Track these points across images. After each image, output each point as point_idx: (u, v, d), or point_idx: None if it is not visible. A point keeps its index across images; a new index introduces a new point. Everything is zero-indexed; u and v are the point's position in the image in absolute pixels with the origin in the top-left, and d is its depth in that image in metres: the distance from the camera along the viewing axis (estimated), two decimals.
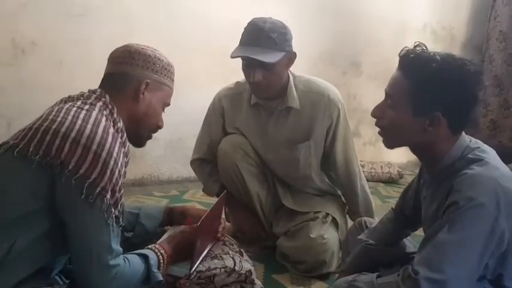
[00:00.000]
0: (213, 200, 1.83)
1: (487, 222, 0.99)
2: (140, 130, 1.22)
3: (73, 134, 1.01)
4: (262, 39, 1.57)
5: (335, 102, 1.76)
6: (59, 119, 1.04)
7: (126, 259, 1.09)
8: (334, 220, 1.83)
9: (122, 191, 1.08)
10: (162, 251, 1.20)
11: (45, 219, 1.01)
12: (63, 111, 1.06)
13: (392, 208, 1.45)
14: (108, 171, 1.01)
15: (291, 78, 1.74)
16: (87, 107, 1.09)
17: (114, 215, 1.03)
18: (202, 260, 1.30)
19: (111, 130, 1.08)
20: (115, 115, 1.13)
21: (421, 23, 3.88)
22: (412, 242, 1.45)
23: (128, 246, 1.21)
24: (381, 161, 3.53)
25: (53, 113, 1.06)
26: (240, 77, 1.74)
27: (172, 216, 1.45)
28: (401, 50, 1.13)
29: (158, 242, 1.25)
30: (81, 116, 1.05)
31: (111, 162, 1.02)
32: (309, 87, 1.76)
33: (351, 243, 1.51)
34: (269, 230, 1.91)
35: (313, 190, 1.90)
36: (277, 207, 1.91)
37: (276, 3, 3.00)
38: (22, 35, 2.41)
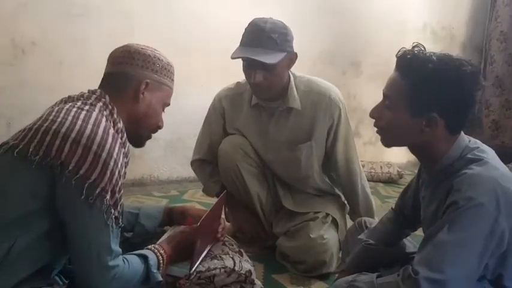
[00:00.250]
0: (213, 200, 1.83)
1: (486, 222, 0.99)
2: (140, 130, 1.22)
3: (73, 135, 1.01)
4: (263, 40, 1.57)
5: (336, 102, 1.76)
6: (59, 119, 1.04)
7: (125, 260, 1.09)
8: (334, 220, 1.83)
9: (122, 191, 1.08)
10: (162, 252, 1.19)
11: (45, 220, 1.01)
12: (63, 111, 1.06)
13: (392, 208, 1.45)
14: (108, 172, 1.01)
15: (292, 78, 1.73)
16: (87, 107, 1.09)
17: (113, 216, 1.03)
18: (202, 260, 1.30)
19: (111, 131, 1.08)
20: (115, 115, 1.13)
21: (421, 23, 3.87)
22: (412, 242, 1.45)
23: (128, 246, 1.21)
24: (381, 161, 3.53)
25: (53, 114, 1.06)
26: (241, 77, 1.73)
27: (172, 217, 1.45)
28: (399, 51, 1.13)
29: (158, 242, 1.25)
30: (82, 116, 1.05)
31: (111, 163, 1.02)
32: (310, 88, 1.76)
33: (351, 243, 1.51)
34: (269, 230, 1.91)
35: (313, 190, 1.90)
36: (277, 207, 1.91)
37: (275, 3, 3.00)
38: (22, 35, 2.41)
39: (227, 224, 1.82)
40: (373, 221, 1.59)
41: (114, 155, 1.03)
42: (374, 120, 1.17)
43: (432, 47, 1.14)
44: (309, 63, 3.16)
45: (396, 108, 1.11)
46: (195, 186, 2.76)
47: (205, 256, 1.33)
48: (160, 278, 1.15)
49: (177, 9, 2.81)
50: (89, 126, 1.03)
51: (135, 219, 1.40)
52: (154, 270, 1.14)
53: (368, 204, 1.89)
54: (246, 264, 1.35)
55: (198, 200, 2.59)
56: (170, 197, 2.70)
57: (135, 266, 1.11)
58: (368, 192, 1.90)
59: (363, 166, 3.21)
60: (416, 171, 1.36)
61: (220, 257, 1.33)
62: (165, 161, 2.97)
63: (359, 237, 1.43)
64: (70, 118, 1.04)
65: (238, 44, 1.64)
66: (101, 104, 1.12)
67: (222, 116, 1.87)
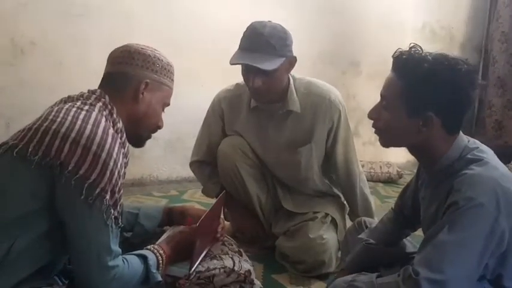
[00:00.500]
0: (212, 200, 1.83)
1: (487, 222, 0.99)
2: (140, 130, 1.22)
3: (73, 135, 1.01)
4: (262, 45, 1.56)
5: (336, 104, 1.75)
6: (58, 119, 1.04)
7: (125, 260, 1.08)
8: (333, 220, 1.83)
9: (122, 191, 1.08)
10: (161, 252, 1.19)
11: (45, 220, 1.01)
12: (63, 111, 1.06)
13: (392, 208, 1.45)
14: (108, 172, 1.01)
15: (292, 81, 1.73)
16: (86, 107, 1.09)
17: (113, 216, 1.03)
18: (201, 260, 1.30)
19: (111, 131, 1.08)
20: (114, 115, 1.13)
21: (420, 23, 3.87)
22: (412, 242, 1.45)
23: (127, 246, 1.21)
24: (380, 160, 3.53)
25: (53, 114, 1.06)
26: (241, 77, 1.73)
27: (171, 216, 1.45)
28: (395, 52, 1.13)
29: (157, 243, 1.25)
30: (81, 116, 1.05)
31: (111, 163, 1.02)
32: (310, 90, 1.75)
33: (350, 243, 1.51)
34: (268, 230, 1.91)
35: (313, 192, 1.90)
36: (276, 207, 1.91)
37: (275, 3, 3.00)
38: (22, 35, 2.41)
39: (226, 223, 1.82)
40: (373, 221, 1.59)
41: (114, 155, 1.03)
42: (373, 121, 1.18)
43: (431, 47, 1.14)
44: (309, 63, 3.16)
45: (393, 109, 1.11)
46: (194, 186, 2.76)
47: (204, 256, 1.32)
48: (159, 278, 1.15)
49: (177, 9, 2.81)
50: (89, 126, 1.03)
51: (135, 219, 1.39)
52: (154, 271, 1.14)
53: (366, 205, 1.88)
54: (245, 264, 1.35)
55: (198, 200, 2.59)
56: (170, 197, 2.71)
57: (135, 266, 1.11)
58: (366, 193, 1.89)
59: (363, 166, 3.21)
60: (415, 171, 1.36)
61: (219, 257, 1.33)
62: (164, 161, 2.97)
63: (359, 236, 1.43)
64: (70, 118, 1.04)
65: (238, 44, 1.63)
66: (100, 104, 1.12)
67: (221, 118, 1.87)
